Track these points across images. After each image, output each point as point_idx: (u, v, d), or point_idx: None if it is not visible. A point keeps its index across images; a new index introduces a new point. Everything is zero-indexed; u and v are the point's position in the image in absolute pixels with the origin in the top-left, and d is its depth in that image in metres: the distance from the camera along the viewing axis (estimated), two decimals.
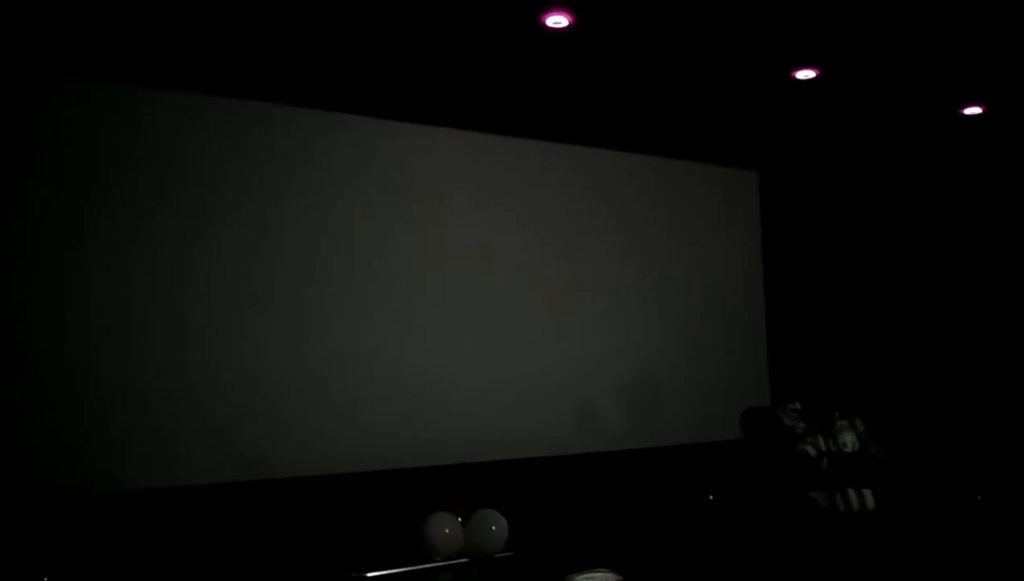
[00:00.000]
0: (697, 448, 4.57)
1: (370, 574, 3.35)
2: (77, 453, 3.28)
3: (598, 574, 2.43)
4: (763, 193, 5.22)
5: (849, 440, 3.25)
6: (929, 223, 5.22)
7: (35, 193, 3.31)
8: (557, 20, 3.50)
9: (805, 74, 4.15)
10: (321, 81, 3.87)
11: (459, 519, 3.51)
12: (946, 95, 4.50)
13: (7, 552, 3.03)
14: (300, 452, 3.68)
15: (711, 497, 4.50)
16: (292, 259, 3.81)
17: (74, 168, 3.39)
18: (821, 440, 3.22)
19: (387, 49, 3.74)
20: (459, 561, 3.46)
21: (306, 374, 3.76)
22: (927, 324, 5.14)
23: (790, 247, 5.20)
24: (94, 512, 3.24)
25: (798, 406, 3.30)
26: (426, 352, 4.06)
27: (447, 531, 3.43)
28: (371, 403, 3.87)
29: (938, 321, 5.13)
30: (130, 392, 3.39)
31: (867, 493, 3.23)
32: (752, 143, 5.05)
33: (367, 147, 4.03)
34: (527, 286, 4.39)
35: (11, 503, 3.11)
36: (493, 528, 3.45)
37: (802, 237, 5.20)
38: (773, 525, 3.36)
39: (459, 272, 4.21)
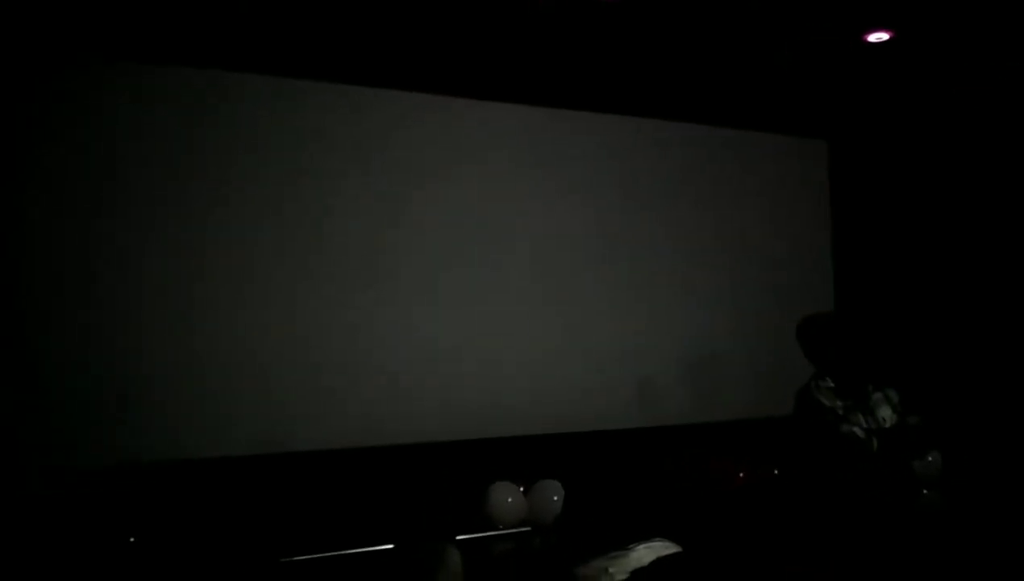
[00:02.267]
0: (761, 423, 4.49)
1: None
2: (96, 428, 3.34)
3: (657, 543, 2.45)
4: (832, 164, 5.06)
5: (887, 414, 3.14)
6: (1008, 199, 4.97)
7: (38, 185, 3.36)
8: None
9: (878, 37, 3.99)
10: (341, 53, 3.80)
11: (521, 489, 3.55)
12: None
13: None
14: (361, 425, 3.76)
15: (775, 472, 4.42)
16: (348, 231, 3.85)
17: (77, 157, 3.43)
18: (862, 418, 3.12)
19: (423, 20, 3.66)
20: (521, 529, 3.50)
21: (365, 349, 3.83)
22: (999, 306, 4.92)
23: (859, 219, 5.03)
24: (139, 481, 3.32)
25: (830, 383, 3.19)
26: (489, 328, 4.09)
27: (510, 500, 3.46)
28: (434, 377, 3.92)
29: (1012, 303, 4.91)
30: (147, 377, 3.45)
31: (924, 463, 3.14)
32: (820, 111, 4.87)
33: (414, 121, 4.02)
34: (588, 261, 4.36)
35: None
36: (555, 498, 3.48)
37: (872, 210, 5.02)
38: (830, 505, 3.29)
39: (521, 248, 4.22)
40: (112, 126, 3.49)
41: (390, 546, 2.90)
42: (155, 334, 3.49)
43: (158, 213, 3.52)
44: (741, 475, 4.31)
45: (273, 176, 3.75)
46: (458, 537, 3.34)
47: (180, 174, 3.58)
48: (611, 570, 2.27)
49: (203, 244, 3.61)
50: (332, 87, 3.86)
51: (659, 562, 2.08)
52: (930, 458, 3.20)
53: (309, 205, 3.81)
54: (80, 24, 3.33)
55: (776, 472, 4.44)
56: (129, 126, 3.51)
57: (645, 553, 2.35)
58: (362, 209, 3.90)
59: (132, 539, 3.23)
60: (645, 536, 2.83)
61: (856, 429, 3.09)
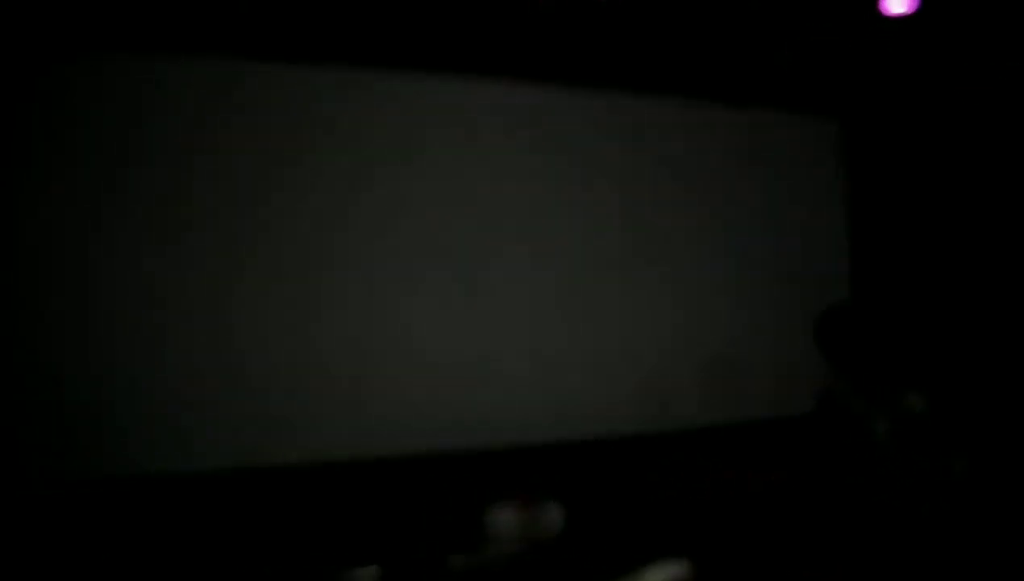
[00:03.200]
0: (778, 423, 4.32)
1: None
2: (92, 436, 3.26)
3: (667, 565, 2.33)
4: (846, 145, 4.82)
5: (910, 415, 3.01)
6: None
7: (47, 176, 3.27)
8: None
9: (894, 7, 3.78)
10: (348, 36, 3.69)
11: (521, 506, 3.40)
12: None
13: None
14: (349, 435, 3.64)
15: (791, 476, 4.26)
16: (332, 234, 3.70)
17: (85, 148, 3.33)
18: (884, 419, 3.00)
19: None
20: (519, 548, 3.35)
21: (350, 353, 3.69)
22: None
23: (877, 205, 4.81)
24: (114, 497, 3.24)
25: (852, 383, 3.08)
26: (482, 328, 3.93)
27: (507, 519, 3.32)
28: (423, 383, 3.78)
29: None
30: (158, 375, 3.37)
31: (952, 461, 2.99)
32: (832, 88, 4.64)
33: (403, 106, 3.85)
34: (589, 254, 4.17)
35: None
36: (554, 516, 3.34)
37: (890, 194, 4.80)
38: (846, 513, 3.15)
39: (517, 239, 4.03)
40: (116, 124, 3.39)
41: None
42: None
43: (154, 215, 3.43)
44: (755, 481, 4.16)
45: (258, 170, 3.62)
46: (451, 556, 3.18)
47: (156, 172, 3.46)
48: None
49: (188, 248, 3.49)
50: (333, 73, 3.73)
51: None
52: (955, 461, 3.06)
53: (297, 204, 3.67)
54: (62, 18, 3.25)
55: (791, 477, 4.30)
56: (136, 125, 3.42)
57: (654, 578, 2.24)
58: (349, 205, 3.74)
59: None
60: (654, 555, 2.71)
61: (878, 431, 2.99)
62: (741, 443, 4.25)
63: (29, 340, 3.24)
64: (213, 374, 3.47)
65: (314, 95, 3.70)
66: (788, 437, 4.22)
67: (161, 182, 3.44)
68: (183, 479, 3.36)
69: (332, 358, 3.66)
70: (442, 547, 3.24)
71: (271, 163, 3.62)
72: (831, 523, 3.26)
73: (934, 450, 2.99)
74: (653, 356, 4.25)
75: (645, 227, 4.31)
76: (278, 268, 3.61)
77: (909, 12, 3.52)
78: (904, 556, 2.89)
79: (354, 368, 3.69)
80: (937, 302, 4.67)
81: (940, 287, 4.71)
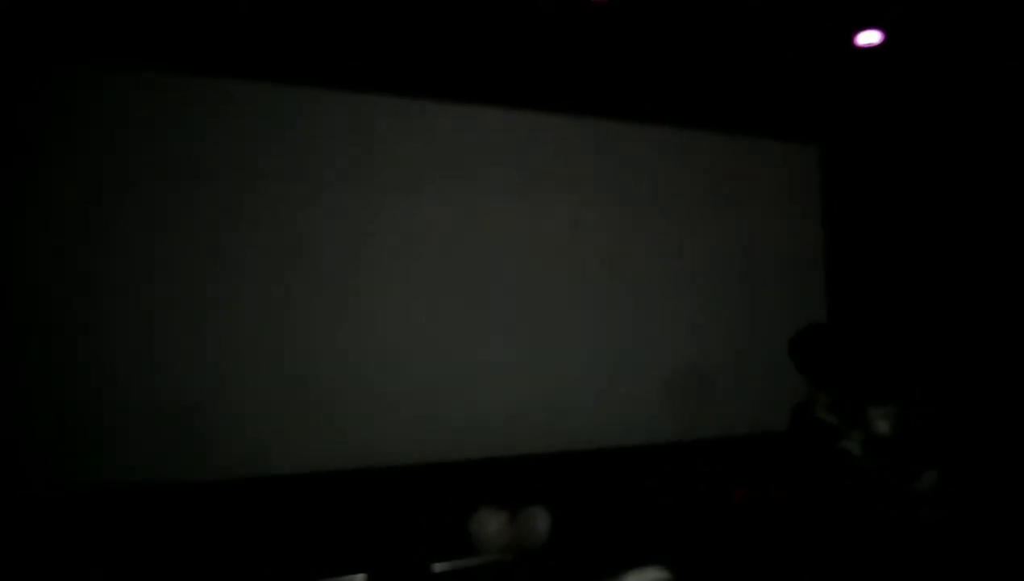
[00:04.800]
0: (755, 439, 4.35)
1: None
2: (93, 446, 3.26)
3: (650, 572, 2.33)
4: (825, 169, 4.94)
5: (883, 430, 3.07)
6: (1005, 200, 4.86)
7: (49, 186, 3.29)
8: None
9: (867, 39, 3.89)
10: (362, 64, 3.77)
11: (506, 514, 3.40)
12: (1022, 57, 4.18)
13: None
14: (338, 445, 3.64)
15: (775, 489, 4.29)
16: (328, 254, 3.73)
17: (85, 159, 3.35)
18: (858, 434, 3.06)
19: (421, 26, 3.64)
20: (505, 557, 3.35)
21: (346, 367, 3.69)
22: (997, 311, 4.81)
23: (853, 226, 4.91)
24: (105, 506, 3.23)
25: (827, 398, 3.13)
26: (464, 344, 3.95)
27: (493, 527, 3.32)
28: (412, 396, 3.78)
29: (1010, 308, 4.80)
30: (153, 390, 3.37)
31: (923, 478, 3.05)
32: (812, 115, 4.77)
33: (401, 131, 3.91)
34: (572, 272, 4.22)
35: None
36: (540, 525, 3.34)
37: (866, 216, 4.91)
38: (825, 525, 3.19)
39: (499, 258, 4.07)
40: (100, 134, 3.41)
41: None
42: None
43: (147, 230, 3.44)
44: (739, 493, 4.18)
45: (257, 184, 3.65)
46: (437, 566, 3.21)
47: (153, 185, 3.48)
48: None
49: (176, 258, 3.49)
50: (326, 94, 3.77)
51: None
52: (926, 474, 3.12)
53: (288, 215, 3.69)
54: (70, 31, 3.29)
55: (775, 489, 4.32)
56: (138, 139, 3.45)
57: None
58: (341, 220, 3.77)
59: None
60: (638, 563, 2.72)
61: (852, 445, 3.04)
62: (719, 456, 4.27)
63: (19, 345, 3.24)
64: (202, 386, 3.47)
65: (324, 118, 3.76)
66: (767, 451, 4.27)
67: (189, 194, 3.49)
68: (171, 488, 3.34)
69: (316, 370, 3.66)
70: (428, 555, 3.24)
71: (266, 180, 3.65)
72: (810, 533, 3.31)
73: (903, 466, 3.04)
74: (631, 371, 4.28)
75: (628, 249, 4.36)
76: (268, 280, 3.62)
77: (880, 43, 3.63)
78: (879, 565, 2.91)
79: (340, 379, 3.69)
80: (909, 320, 4.75)
81: (913, 306, 4.80)
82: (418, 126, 3.94)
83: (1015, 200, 4.79)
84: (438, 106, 3.97)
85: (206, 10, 3.36)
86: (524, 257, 4.12)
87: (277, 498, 3.50)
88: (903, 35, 3.89)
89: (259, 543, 3.38)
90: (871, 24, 3.80)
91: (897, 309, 4.75)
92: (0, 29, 3.18)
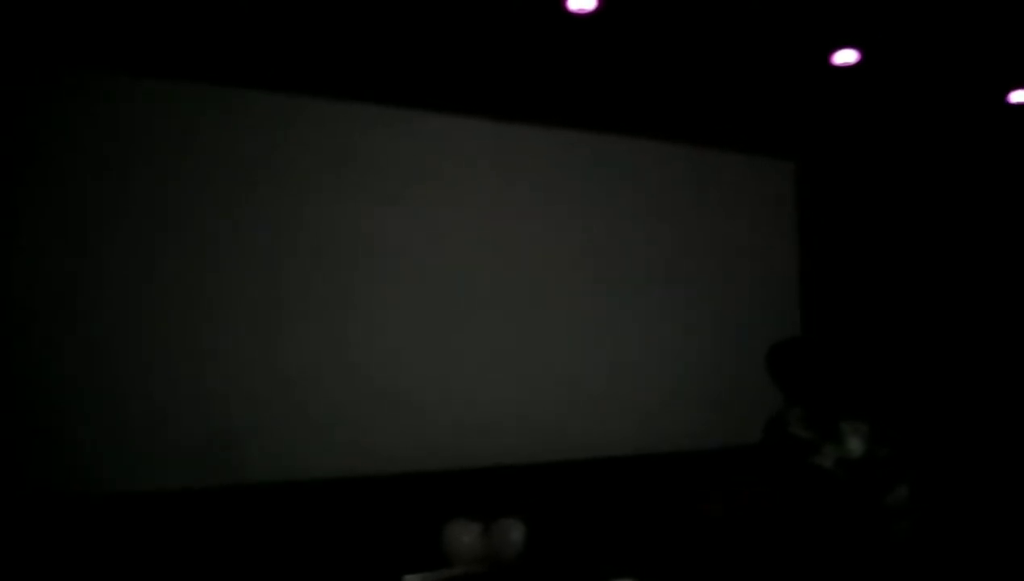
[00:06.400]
0: (729, 452, 4.38)
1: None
2: (83, 453, 3.23)
3: None
4: (799, 185, 5.00)
5: (856, 446, 3.05)
6: (976, 219, 4.96)
7: (44, 192, 3.27)
8: (581, 4, 3.35)
9: (844, 58, 3.96)
10: (349, 73, 3.78)
11: (480, 526, 3.38)
12: (994, 79, 4.27)
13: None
14: (319, 455, 3.62)
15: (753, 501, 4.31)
16: (312, 261, 3.71)
17: (81, 165, 3.34)
18: (831, 449, 3.03)
19: (411, 38, 3.66)
20: (479, 569, 3.34)
21: (328, 376, 3.69)
22: (968, 327, 4.90)
23: (827, 242, 4.98)
24: (101, 513, 3.21)
25: (801, 412, 3.10)
26: (445, 354, 3.95)
27: (466, 539, 3.30)
28: (388, 407, 3.77)
29: (980, 324, 4.89)
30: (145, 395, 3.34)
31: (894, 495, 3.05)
32: (788, 132, 4.83)
33: (385, 139, 3.90)
34: (551, 283, 4.23)
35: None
36: (515, 536, 3.32)
37: (840, 231, 4.98)
38: (797, 540, 3.20)
39: (482, 269, 4.08)
40: (110, 142, 3.40)
41: None
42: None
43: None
44: (710, 505, 4.19)
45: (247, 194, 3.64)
46: (408, 578, 3.17)
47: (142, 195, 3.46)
48: None
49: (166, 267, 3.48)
50: (328, 103, 3.78)
51: None
52: (898, 489, 3.09)
53: (286, 221, 3.69)
54: (72, 37, 3.29)
55: (746, 501, 4.34)
56: (132, 146, 3.43)
57: None
58: (305, 236, 3.74)
59: None
60: (612, 575, 2.72)
61: (824, 461, 3.01)
62: (694, 469, 4.28)
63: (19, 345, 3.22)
64: (184, 395, 3.44)
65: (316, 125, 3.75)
66: (740, 464, 4.29)
67: (181, 199, 3.48)
68: (147, 497, 3.31)
69: (294, 379, 3.64)
70: (399, 566, 3.21)
71: (298, 204, 3.69)
72: (783, 546, 3.35)
73: (875, 481, 3.03)
74: (604, 384, 4.28)
75: (606, 261, 4.38)
76: (252, 293, 3.61)
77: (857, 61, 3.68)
78: (850, 579, 2.92)
79: (314, 389, 3.66)
80: (883, 335, 4.81)
81: (886, 321, 4.86)
82: (416, 134, 3.96)
83: (987, 217, 4.90)
84: (436, 116, 3.99)
85: (206, 21, 3.37)
86: (511, 268, 4.15)
87: (249, 507, 3.47)
88: (879, 55, 3.95)
89: (232, 551, 3.35)
90: (847, 44, 3.86)
91: (870, 324, 4.81)
92: (2, 34, 3.18)
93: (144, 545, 3.24)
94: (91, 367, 3.29)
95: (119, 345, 3.35)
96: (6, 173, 3.22)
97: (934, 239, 4.97)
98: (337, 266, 3.76)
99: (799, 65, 4.04)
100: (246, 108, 3.62)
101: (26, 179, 3.25)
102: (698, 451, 4.33)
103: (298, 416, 3.61)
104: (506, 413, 4.02)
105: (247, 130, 3.62)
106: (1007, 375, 4.73)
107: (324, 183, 3.75)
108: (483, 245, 4.09)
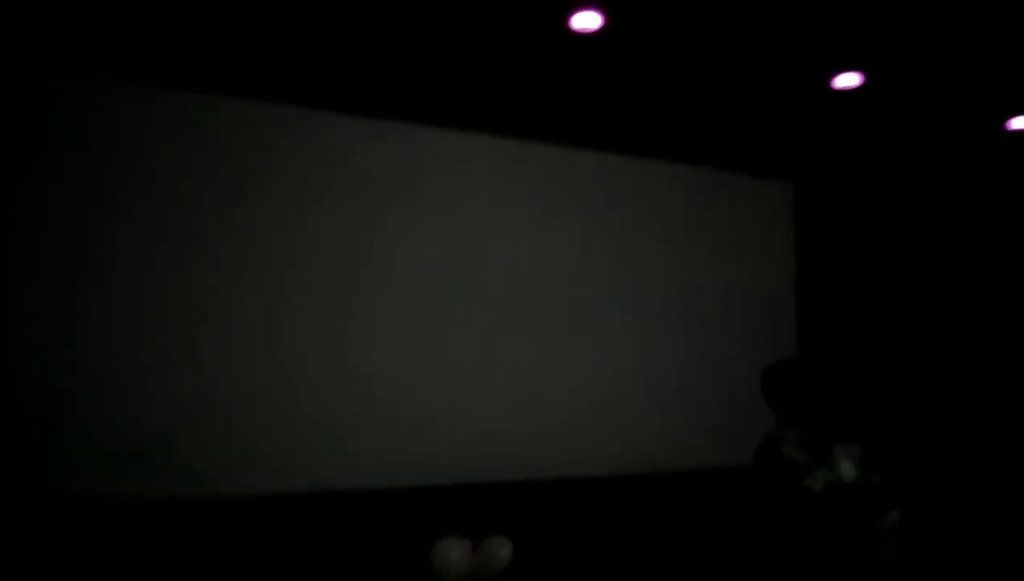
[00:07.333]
0: (722, 472, 4.36)
1: None
2: (83, 458, 3.22)
3: None
4: (798, 206, 5.02)
5: (848, 470, 3.05)
6: (974, 242, 4.97)
7: (44, 192, 3.27)
8: (586, 22, 3.35)
9: (844, 82, 3.96)
10: (354, 86, 3.80)
11: (468, 543, 3.38)
12: (995, 106, 4.27)
13: None
14: (298, 470, 3.59)
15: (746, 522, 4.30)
16: (311, 272, 3.71)
17: (81, 166, 3.33)
18: (823, 473, 3.01)
19: (416, 53, 3.66)
20: None
21: (321, 388, 3.67)
22: (966, 349, 4.90)
23: (824, 263, 4.98)
24: (104, 520, 3.20)
25: (795, 435, 3.07)
26: (442, 365, 3.94)
27: (455, 555, 3.30)
28: (379, 421, 3.75)
29: (978, 346, 4.89)
30: (144, 399, 3.34)
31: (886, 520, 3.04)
32: (787, 153, 4.85)
33: (387, 151, 3.92)
34: (545, 302, 4.22)
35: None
36: (503, 554, 3.31)
37: (837, 253, 4.99)
38: (784, 562, 3.19)
39: (476, 283, 4.07)
40: (112, 149, 3.40)
41: None
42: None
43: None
44: (702, 525, 4.18)
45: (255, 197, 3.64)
46: None
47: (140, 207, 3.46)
48: None
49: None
50: (330, 114, 3.79)
51: None
52: (889, 513, 3.10)
53: (286, 231, 3.69)
54: (74, 41, 3.30)
55: (736, 519, 4.32)
56: (135, 151, 3.44)
57: None
58: (329, 240, 3.76)
59: None
60: None
61: (815, 484, 2.99)
62: (686, 489, 4.29)
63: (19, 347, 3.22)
64: (183, 405, 3.43)
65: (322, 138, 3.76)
66: (732, 485, 4.27)
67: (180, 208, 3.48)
68: (142, 505, 3.31)
69: (296, 387, 3.63)
70: None
71: (296, 213, 3.69)
72: (772, 569, 3.33)
73: (866, 505, 3.03)
74: (596, 400, 4.26)
75: (603, 281, 4.37)
76: (250, 302, 3.60)
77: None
78: None
79: (302, 404, 3.64)
80: (879, 356, 4.80)
81: (883, 342, 4.85)
82: (417, 147, 3.97)
83: (985, 240, 4.90)
84: (438, 130, 4.01)
85: (213, 31, 3.37)
86: (507, 283, 4.14)
87: (233, 520, 3.45)
88: (880, 78, 3.95)
89: (219, 563, 3.33)
90: (849, 67, 3.86)
91: (867, 344, 4.81)
92: (4, 38, 3.18)
93: (131, 553, 3.23)
94: (89, 369, 3.28)
95: (119, 346, 3.34)
96: (6, 173, 3.21)
97: (932, 261, 4.97)
98: (336, 276, 3.75)
99: (800, 88, 4.04)
100: (249, 118, 3.63)
101: (26, 179, 3.24)
102: (690, 470, 4.33)
103: (280, 434, 3.58)
104: (501, 424, 4.00)
105: (249, 140, 3.62)
106: (1002, 397, 4.73)
107: (325, 193, 3.75)
108: (482, 258, 4.09)
